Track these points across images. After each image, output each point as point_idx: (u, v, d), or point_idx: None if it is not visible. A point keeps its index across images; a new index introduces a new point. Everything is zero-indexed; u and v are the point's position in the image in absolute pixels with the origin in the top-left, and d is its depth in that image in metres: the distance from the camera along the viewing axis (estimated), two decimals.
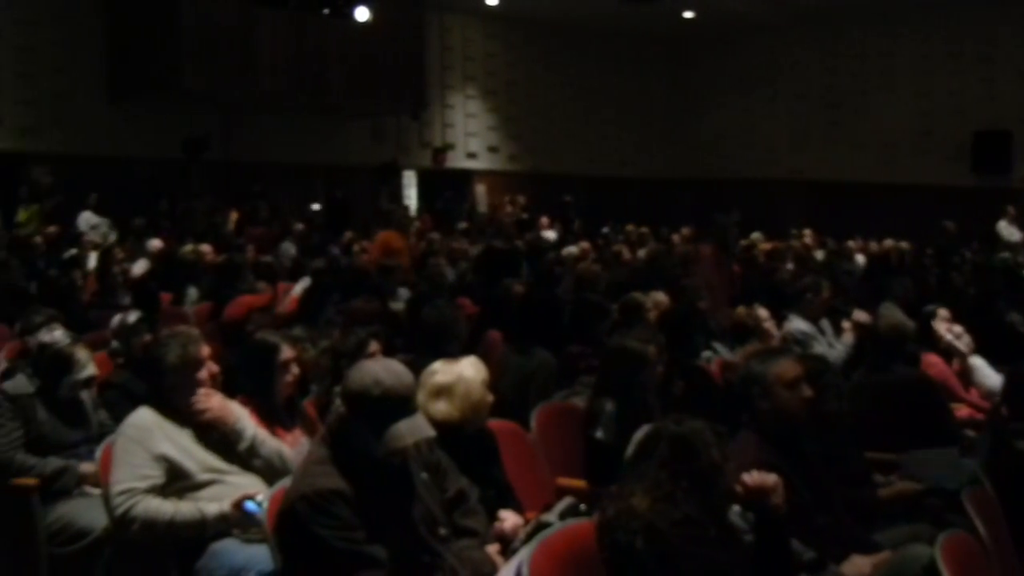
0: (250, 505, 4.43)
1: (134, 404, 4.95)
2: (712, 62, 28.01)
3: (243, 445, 4.79)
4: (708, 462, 3.61)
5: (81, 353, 5.81)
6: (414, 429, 3.93)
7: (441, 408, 4.76)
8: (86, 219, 16.84)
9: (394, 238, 13.24)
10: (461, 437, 4.72)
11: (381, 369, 4.00)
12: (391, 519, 3.86)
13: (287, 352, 5.28)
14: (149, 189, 18.74)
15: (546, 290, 9.19)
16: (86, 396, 5.93)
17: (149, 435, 4.62)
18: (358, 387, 3.93)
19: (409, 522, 3.91)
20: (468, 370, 4.91)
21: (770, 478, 3.86)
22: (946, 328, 8.42)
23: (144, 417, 4.71)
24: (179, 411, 4.76)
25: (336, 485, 3.77)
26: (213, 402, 4.81)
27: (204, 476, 4.64)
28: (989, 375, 7.90)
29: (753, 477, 3.84)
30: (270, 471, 4.71)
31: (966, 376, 8.13)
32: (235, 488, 4.59)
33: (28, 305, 8.38)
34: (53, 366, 5.70)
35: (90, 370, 5.79)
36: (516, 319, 8.02)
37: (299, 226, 17.35)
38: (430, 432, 4.03)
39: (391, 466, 3.94)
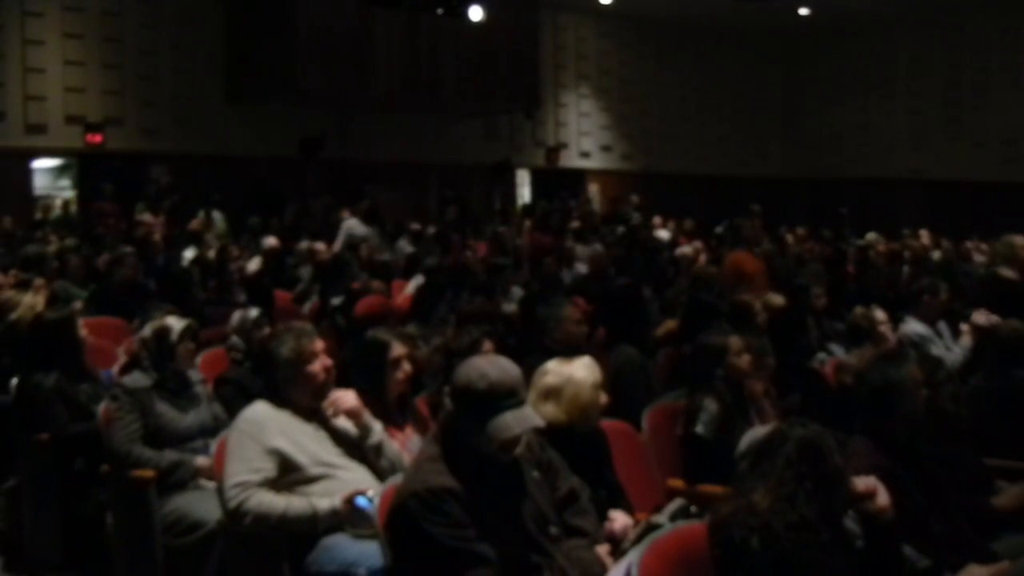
0: (361, 501, 4.46)
1: (249, 399, 5.03)
2: (828, 59, 27.70)
3: (373, 439, 4.84)
4: (834, 466, 3.58)
5: (171, 319, 6.01)
6: (521, 420, 3.92)
7: (549, 410, 4.74)
8: (350, 226, 15.89)
9: (747, 260, 11.71)
10: (573, 437, 4.71)
11: (486, 363, 4.01)
12: (501, 517, 3.85)
13: (398, 349, 5.31)
14: (266, 188, 19.00)
15: (633, 287, 9.13)
16: (201, 389, 6.03)
17: (262, 429, 4.67)
18: (464, 381, 3.93)
19: (519, 521, 3.89)
20: (579, 372, 4.89)
21: (873, 482, 3.81)
22: None
23: (258, 411, 4.77)
24: (293, 404, 4.81)
25: (447, 483, 3.77)
26: (350, 397, 4.88)
27: (315, 470, 4.68)
28: None
29: (860, 483, 3.80)
30: (392, 471, 4.73)
31: None
32: (345, 483, 4.62)
33: (147, 301, 8.55)
34: (159, 343, 5.87)
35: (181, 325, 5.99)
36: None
37: (415, 225, 17.43)
38: (539, 422, 4.02)
39: (502, 464, 3.94)
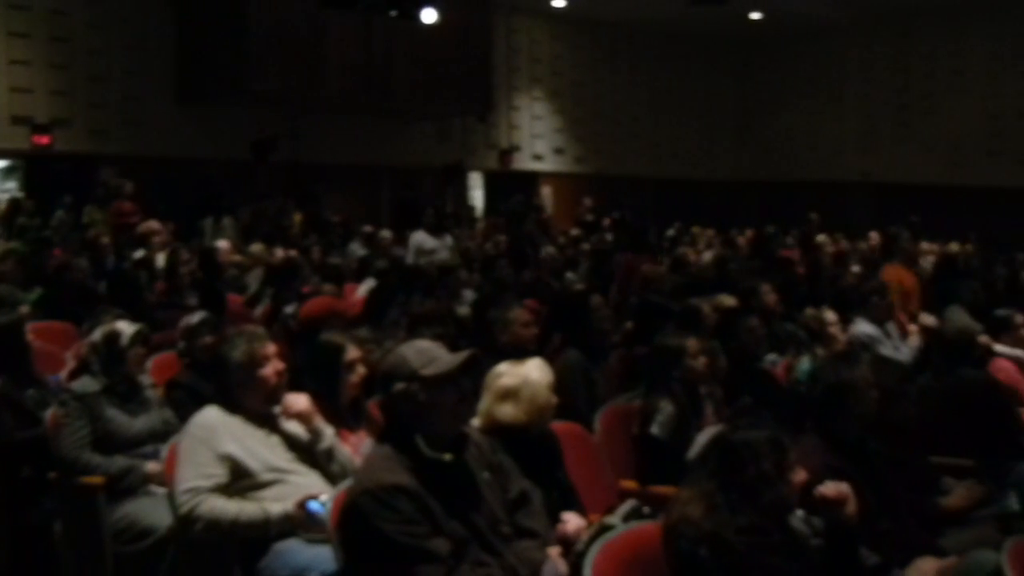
0: (313, 505, 4.45)
1: (199, 404, 4.99)
2: (779, 64, 27.89)
3: (324, 444, 4.84)
4: (755, 474, 3.63)
5: (122, 324, 5.97)
6: (452, 358, 4.00)
7: (508, 411, 4.76)
8: (418, 240, 14.41)
9: (905, 276, 10.93)
10: (525, 439, 4.72)
11: (407, 348, 4.06)
12: (453, 516, 3.84)
13: (352, 352, 5.32)
14: (217, 190, 18.87)
15: (583, 293, 9.19)
16: (152, 394, 5.99)
17: (214, 434, 4.65)
18: (389, 367, 3.99)
19: (470, 520, 3.89)
20: (535, 372, 4.91)
21: (844, 488, 3.85)
22: (1022, 333, 8.35)
23: (210, 416, 4.75)
24: (245, 409, 4.79)
25: (399, 480, 3.76)
26: (301, 400, 4.88)
27: (267, 476, 4.66)
28: None
29: (830, 488, 3.84)
30: (343, 476, 4.71)
31: None
32: (298, 488, 4.61)
33: (96, 305, 8.48)
34: (109, 347, 5.83)
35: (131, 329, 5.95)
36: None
37: (367, 227, 17.38)
38: (463, 358, 4.05)
39: (452, 463, 3.94)
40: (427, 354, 4.00)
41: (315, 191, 19.67)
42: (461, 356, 4.04)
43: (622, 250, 15.03)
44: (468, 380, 4.13)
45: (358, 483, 3.91)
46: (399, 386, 3.92)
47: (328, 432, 4.87)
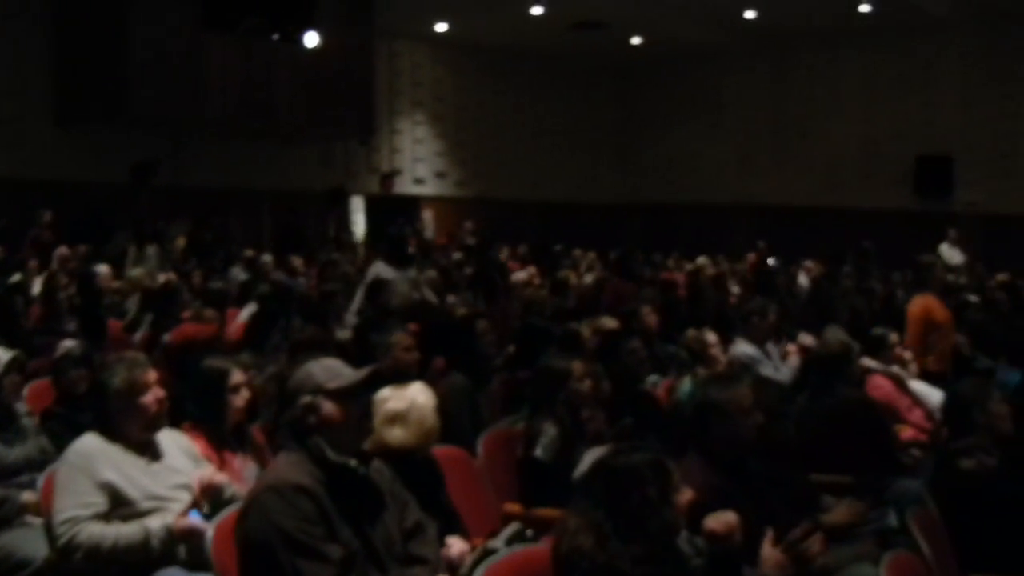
0: (195, 514, 4.41)
1: (76, 433, 4.90)
2: (660, 87, 28.15)
3: (228, 493, 4.77)
4: (640, 500, 3.64)
5: None
6: (357, 373, 4.03)
7: (397, 435, 4.76)
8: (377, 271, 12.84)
9: (937, 308, 10.43)
10: (408, 463, 4.72)
11: (313, 364, 4.08)
12: (351, 527, 3.85)
13: (237, 376, 5.29)
14: (97, 214, 18.55)
15: (468, 318, 9.22)
16: (28, 422, 5.89)
17: (93, 462, 4.57)
18: (296, 383, 4.02)
19: (367, 535, 3.90)
20: (421, 396, 4.93)
21: (732, 519, 3.90)
22: (897, 352, 8.52)
23: (88, 444, 4.67)
24: (125, 437, 4.71)
25: (302, 481, 3.78)
26: (214, 474, 4.82)
27: (147, 504, 4.59)
28: (932, 396, 7.97)
29: (718, 524, 3.88)
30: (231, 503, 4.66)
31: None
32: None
33: None
34: None
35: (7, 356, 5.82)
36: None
37: (248, 252, 17.22)
38: (366, 372, 4.08)
39: (359, 479, 3.96)
40: (332, 369, 4.03)
41: (201, 215, 19.40)
42: (364, 371, 4.06)
43: None
44: (368, 396, 4.15)
45: (262, 481, 3.94)
46: (305, 399, 3.93)
47: (232, 490, 4.82)
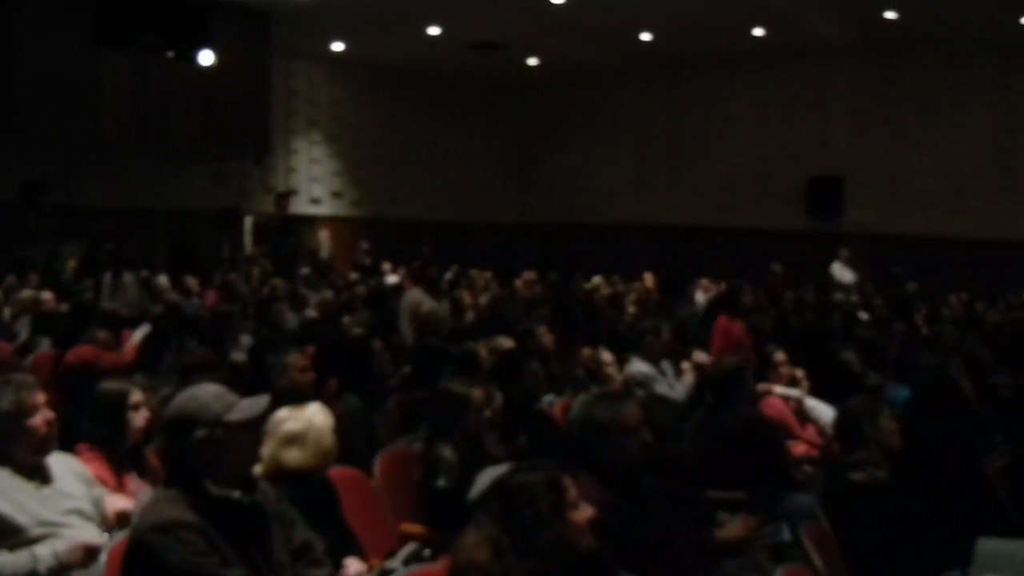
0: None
1: None
2: (557, 108, 28.33)
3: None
4: (531, 516, 3.65)
5: None
6: (253, 403, 3.98)
7: (295, 456, 4.72)
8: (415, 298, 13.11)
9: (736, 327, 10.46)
10: (304, 485, 4.68)
11: (202, 393, 4.02)
12: (240, 557, 3.80)
13: (137, 395, 5.24)
14: None
15: (363, 338, 9.19)
16: None
17: None
18: (189, 413, 3.92)
19: (256, 563, 3.85)
20: (318, 416, 4.89)
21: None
22: (785, 371, 8.61)
23: None
24: (13, 461, 4.60)
25: (185, 516, 3.71)
26: (120, 502, 4.75)
27: (38, 531, 4.46)
28: (824, 413, 8.07)
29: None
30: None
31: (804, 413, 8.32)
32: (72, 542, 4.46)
33: None
34: None
35: None
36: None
37: (143, 272, 16.98)
38: (264, 404, 4.04)
39: (242, 505, 3.90)
40: (225, 399, 3.96)
41: (94, 235, 19.09)
42: (263, 401, 4.01)
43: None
44: (262, 425, 4.10)
45: (141, 522, 3.83)
46: (202, 432, 3.85)
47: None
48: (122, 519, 4.67)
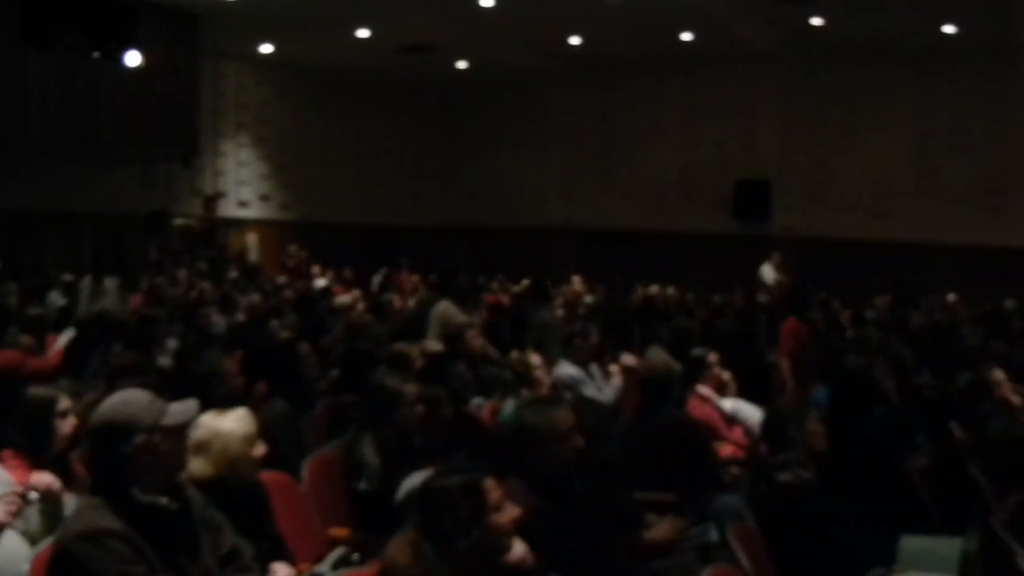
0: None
1: None
2: (485, 111, 28.36)
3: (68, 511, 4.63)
4: (450, 521, 3.70)
5: None
6: (185, 408, 3.97)
7: (197, 465, 4.65)
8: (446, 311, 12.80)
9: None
10: (229, 491, 4.64)
11: (132, 399, 3.98)
12: (167, 566, 3.77)
13: (65, 402, 5.19)
14: None
15: (290, 342, 9.17)
16: None
17: None
18: (123, 421, 3.87)
19: (185, 570, 3.83)
20: (228, 424, 4.81)
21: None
22: (715, 372, 8.66)
23: None
24: None
25: (111, 525, 3.67)
26: (47, 478, 4.68)
27: None
28: (751, 414, 8.14)
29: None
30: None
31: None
32: None
33: None
34: None
35: None
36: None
37: (67, 276, 16.78)
38: (195, 408, 4.04)
39: (168, 512, 3.86)
40: (155, 405, 3.93)
41: (18, 237, 18.85)
42: (192, 405, 4.01)
43: None
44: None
45: (67, 530, 3.78)
46: (140, 439, 3.82)
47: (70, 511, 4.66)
48: (49, 498, 4.63)
